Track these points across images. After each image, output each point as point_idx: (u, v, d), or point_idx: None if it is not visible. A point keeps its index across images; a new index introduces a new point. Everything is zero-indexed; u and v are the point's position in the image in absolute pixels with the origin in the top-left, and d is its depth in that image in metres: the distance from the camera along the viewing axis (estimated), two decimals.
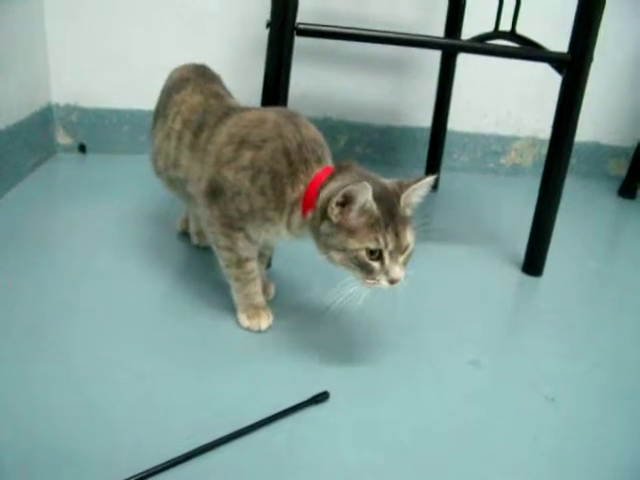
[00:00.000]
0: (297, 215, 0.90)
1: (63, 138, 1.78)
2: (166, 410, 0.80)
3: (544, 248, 1.31)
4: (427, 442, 0.80)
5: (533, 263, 1.32)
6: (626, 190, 2.00)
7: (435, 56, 1.73)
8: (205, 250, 1.22)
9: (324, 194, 0.86)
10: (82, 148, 1.80)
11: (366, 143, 1.95)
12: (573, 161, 1.97)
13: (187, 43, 1.72)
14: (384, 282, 0.84)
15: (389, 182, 0.87)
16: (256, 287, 1.01)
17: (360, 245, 0.82)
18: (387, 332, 1.05)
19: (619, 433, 0.86)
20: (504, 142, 2.05)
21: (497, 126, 2.03)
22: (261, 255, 1.08)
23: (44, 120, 1.69)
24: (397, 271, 0.83)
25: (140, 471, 0.69)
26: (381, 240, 0.82)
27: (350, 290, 0.84)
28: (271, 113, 0.97)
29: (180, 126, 1.04)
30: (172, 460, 0.71)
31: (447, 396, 0.90)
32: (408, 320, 1.10)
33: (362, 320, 1.06)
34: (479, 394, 0.92)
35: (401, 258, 0.84)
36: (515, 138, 2.05)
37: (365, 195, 0.80)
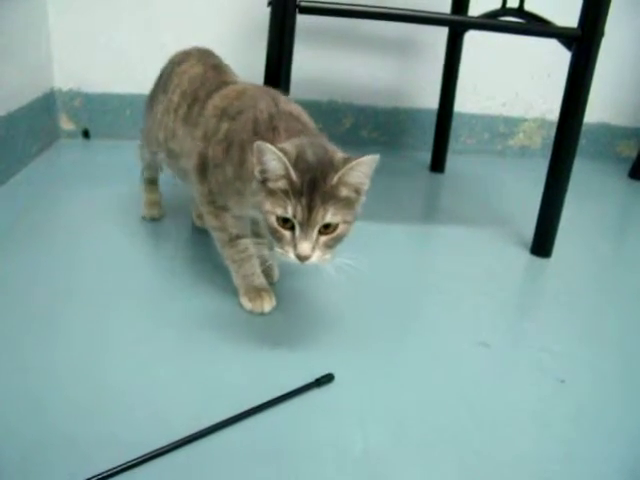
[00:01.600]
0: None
1: (66, 124, 1.77)
2: (169, 393, 0.80)
3: (553, 229, 1.29)
4: (434, 425, 0.79)
5: (542, 244, 1.30)
6: (636, 172, 1.97)
7: (441, 37, 1.70)
8: (207, 233, 1.21)
9: None
10: (86, 133, 1.79)
11: (372, 126, 1.92)
12: (582, 142, 1.93)
13: (189, 26, 1.70)
14: (291, 255, 0.79)
15: (338, 156, 0.80)
16: (253, 268, 1.00)
17: (271, 209, 0.78)
18: (394, 314, 1.03)
19: (630, 416, 0.85)
20: (512, 124, 2.02)
21: (504, 107, 2.00)
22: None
23: (47, 105, 1.68)
24: (304, 247, 0.78)
25: (144, 453, 0.68)
26: (289, 209, 0.77)
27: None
28: (252, 86, 0.98)
29: (178, 98, 1.05)
30: (175, 442, 0.70)
31: (456, 378, 0.89)
32: (416, 301, 1.08)
33: (368, 302, 1.05)
34: (489, 375, 0.90)
35: (314, 234, 0.78)
36: (523, 120, 2.02)
37: (269, 155, 0.76)
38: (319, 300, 1.04)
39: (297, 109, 0.93)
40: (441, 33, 1.70)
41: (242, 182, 0.88)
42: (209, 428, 0.73)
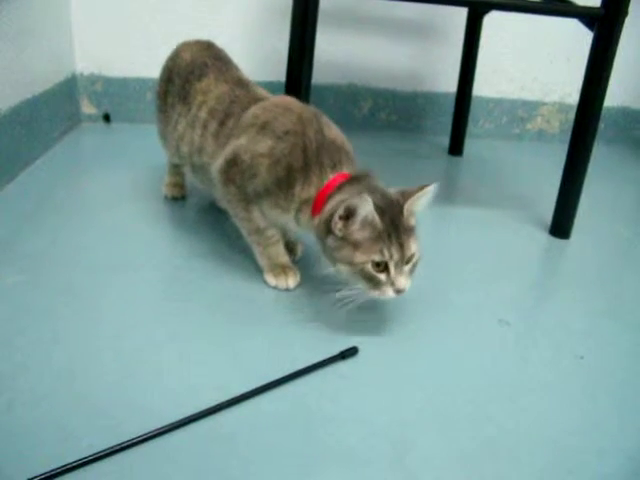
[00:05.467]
0: (306, 215, 0.93)
1: (88, 108, 1.79)
2: (197, 365, 0.82)
3: (572, 210, 1.29)
4: (455, 397, 0.81)
5: (561, 226, 1.31)
6: None
7: (460, 20, 1.69)
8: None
9: (328, 207, 0.88)
10: (106, 118, 1.81)
11: (390, 109, 1.93)
12: (601, 126, 1.94)
13: (209, 10, 1.71)
14: (390, 293, 0.85)
15: (393, 192, 0.89)
16: (278, 249, 1.03)
17: (366, 258, 0.84)
18: (416, 291, 1.04)
19: None
20: (530, 107, 2.01)
21: (523, 91, 1.99)
22: None
23: (69, 89, 1.70)
24: (402, 281, 0.85)
25: (173, 421, 0.70)
26: (386, 252, 0.83)
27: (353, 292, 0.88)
28: (296, 104, 0.99)
29: (206, 115, 1.06)
30: (203, 411, 0.72)
31: (477, 354, 0.90)
32: (437, 280, 1.09)
33: None
34: (509, 351, 0.92)
35: (407, 268, 0.86)
36: (542, 103, 2.01)
37: (366, 208, 0.81)
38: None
39: (337, 134, 0.97)
40: (460, 16, 1.69)
41: (287, 203, 0.94)
42: (237, 398, 0.75)
